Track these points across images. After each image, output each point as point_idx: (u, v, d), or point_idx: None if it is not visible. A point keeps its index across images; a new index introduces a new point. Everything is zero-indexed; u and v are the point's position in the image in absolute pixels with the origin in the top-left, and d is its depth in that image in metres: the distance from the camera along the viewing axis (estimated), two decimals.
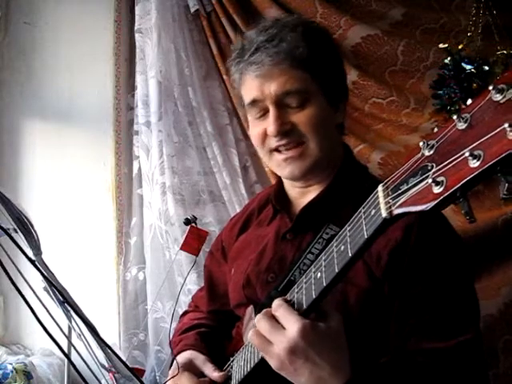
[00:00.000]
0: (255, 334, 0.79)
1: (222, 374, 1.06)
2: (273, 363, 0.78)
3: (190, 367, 1.11)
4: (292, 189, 1.12)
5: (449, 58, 1.84)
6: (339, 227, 0.96)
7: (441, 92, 1.85)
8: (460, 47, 1.84)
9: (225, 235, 1.29)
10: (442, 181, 0.55)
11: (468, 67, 1.79)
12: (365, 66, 2.02)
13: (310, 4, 2.00)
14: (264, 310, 0.80)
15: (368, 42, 1.97)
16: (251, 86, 1.02)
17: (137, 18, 2.20)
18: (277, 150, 1.03)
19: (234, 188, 2.14)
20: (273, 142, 1.02)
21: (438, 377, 0.84)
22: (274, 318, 0.78)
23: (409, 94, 1.98)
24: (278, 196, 1.13)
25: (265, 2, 2.05)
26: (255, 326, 0.80)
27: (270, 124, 1.00)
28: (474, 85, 1.78)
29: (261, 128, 1.03)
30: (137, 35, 2.20)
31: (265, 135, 1.03)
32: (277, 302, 0.79)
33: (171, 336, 1.27)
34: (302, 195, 1.10)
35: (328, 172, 1.06)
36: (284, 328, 0.76)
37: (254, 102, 1.02)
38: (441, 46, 1.87)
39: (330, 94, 1.03)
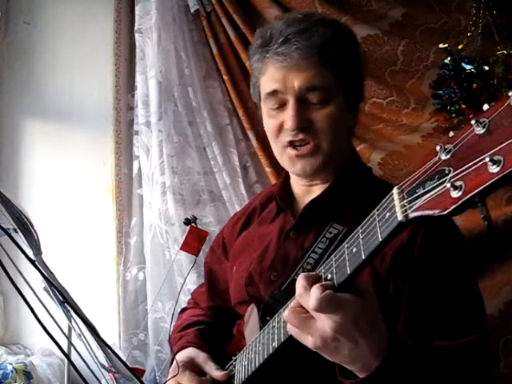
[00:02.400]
0: (294, 308, 0.75)
1: (224, 373, 1.05)
2: (312, 339, 0.73)
3: (191, 366, 1.10)
4: (297, 186, 1.12)
5: (449, 58, 1.83)
6: (343, 226, 0.96)
7: (441, 92, 1.85)
8: (460, 47, 1.84)
9: (226, 232, 1.29)
10: (461, 185, 0.55)
11: (468, 67, 1.79)
12: (365, 65, 2.02)
13: (309, 4, 2.00)
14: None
15: (368, 42, 1.97)
16: (274, 76, 0.99)
17: (137, 18, 2.20)
18: (290, 144, 1.02)
19: (233, 188, 2.14)
20: (288, 136, 1.01)
21: (446, 374, 0.84)
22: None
23: (409, 94, 1.98)
24: (283, 193, 1.13)
25: (265, 1, 2.06)
26: (296, 301, 0.75)
27: (288, 118, 0.98)
28: (474, 85, 1.78)
29: (277, 121, 1.02)
30: (137, 35, 2.21)
31: (280, 128, 1.01)
32: (323, 295, 0.71)
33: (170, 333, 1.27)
34: (306, 193, 1.09)
35: (334, 172, 1.06)
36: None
37: (273, 93, 1.00)
38: (441, 46, 1.87)
39: (350, 96, 1.03)
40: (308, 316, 0.73)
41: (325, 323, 0.71)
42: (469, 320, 0.89)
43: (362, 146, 1.97)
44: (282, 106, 1.01)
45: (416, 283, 0.91)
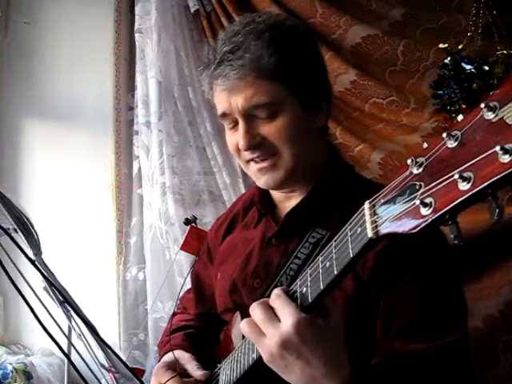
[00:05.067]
0: (248, 323, 0.76)
1: (203, 372, 1.04)
2: (263, 355, 0.75)
3: (175, 366, 1.09)
4: (276, 192, 1.10)
5: (449, 58, 1.83)
6: (326, 230, 0.95)
7: (441, 92, 1.85)
8: (460, 47, 1.84)
9: (210, 237, 1.28)
10: (431, 202, 0.53)
11: (468, 67, 1.79)
12: (365, 65, 2.02)
13: (309, 4, 2.00)
14: (261, 300, 0.77)
15: (368, 42, 1.97)
16: (219, 98, 0.99)
17: (137, 18, 2.20)
18: (251, 160, 1.01)
19: (233, 188, 2.14)
20: (246, 155, 1.00)
21: (422, 378, 0.84)
22: (270, 308, 0.75)
23: (409, 94, 1.98)
24: (263, 199, 1.11)
25: (265, 1, 2.05)
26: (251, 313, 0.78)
27: (239, 138, 0.97)
28: (474, 85, 1.78)
29: (234, 139, 1.01)
30: (137, 35, 2.20)
31: (238, 147, 1.00)
32: (276, 292, 0.76)
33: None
34: (286, 199, 1.08)
35: (311, 176, 1.03)
36: (279, 320, 0.73)
37: (224, 115, 1.00)
38: (441, 46, 1.87)
39: (306, 98, 0.98)
40: (260, 331, 0.74)
41: (271, 338, 0.72)
42: (446, 322, 0.88)
43: (362, 146, 1.97)
44: (235, 124, 1.00)
45: (394, 284, 0.90)
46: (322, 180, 1.03)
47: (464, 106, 1.79)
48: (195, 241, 1.70)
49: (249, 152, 0.98)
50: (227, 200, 2.15)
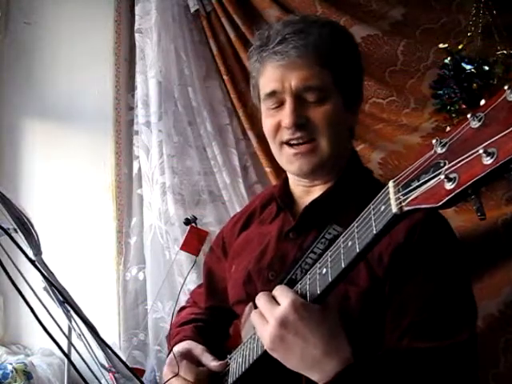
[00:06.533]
0: (255, 312, 0.83)
1: (220, 363, 1.06)
2: (265, 342, 0.80)
3: (188, 357, 1.11)
4: (296, 187, 1.13)
5: (449, 58, 1.84)
6: (342, 228, 0.95)
7: (441, 92, 1.86)
8: (460, 47, 1.84)
9: (226, 232, 1.30)
10: (455, 177, 0.55)
11: (468, 67, 1.79)
12: (365, 66, 2.01)
13: (310, 4, 2.00)
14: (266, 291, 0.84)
15: (368, 42, 1.97)
16: (272, 76, 1.01)
17: (137, 18, 2.20)
18: (288, 143, 1.03)
19: (233, 188, 2.14)
20: (285, 135, 1.02)
21: (428, 376, 0.84)
22: (272, 297, 0.82)
23: (409, 94, 1.98)
24: (283, 194, 1.14)
25: (265, 1, 2.05)
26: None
27: (285, 116, 1.00)
28: (474, 85, 1.78)
29: (275, 119, 1.03)
30: (137, 35, 2.21)
31: (278, 127, 1.03)
32: (278, 286, 0.84)
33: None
34: (306, 194, 1.10)
35: (333, 172, 1.06)
36: (279, 304, 0.80)
37: (272, 93, 1.02)
38: (441, 46, 1.87)
39: (348, 96, 1.04)
40: (263, 319, 0.81)
41: (270, 320, 0.79)
42: (456, 322, 0.89)
43: (362, 146, 1.96)
44: (280, 105, 1.02)
45: (406, 281, 0.91)
46: (342, 178, 1.06)
47: (464, 106, 1.79)
48: (195, 241, 1.70)
49: (291, 131, 1.00)
50: (227, 200, 2.15)
